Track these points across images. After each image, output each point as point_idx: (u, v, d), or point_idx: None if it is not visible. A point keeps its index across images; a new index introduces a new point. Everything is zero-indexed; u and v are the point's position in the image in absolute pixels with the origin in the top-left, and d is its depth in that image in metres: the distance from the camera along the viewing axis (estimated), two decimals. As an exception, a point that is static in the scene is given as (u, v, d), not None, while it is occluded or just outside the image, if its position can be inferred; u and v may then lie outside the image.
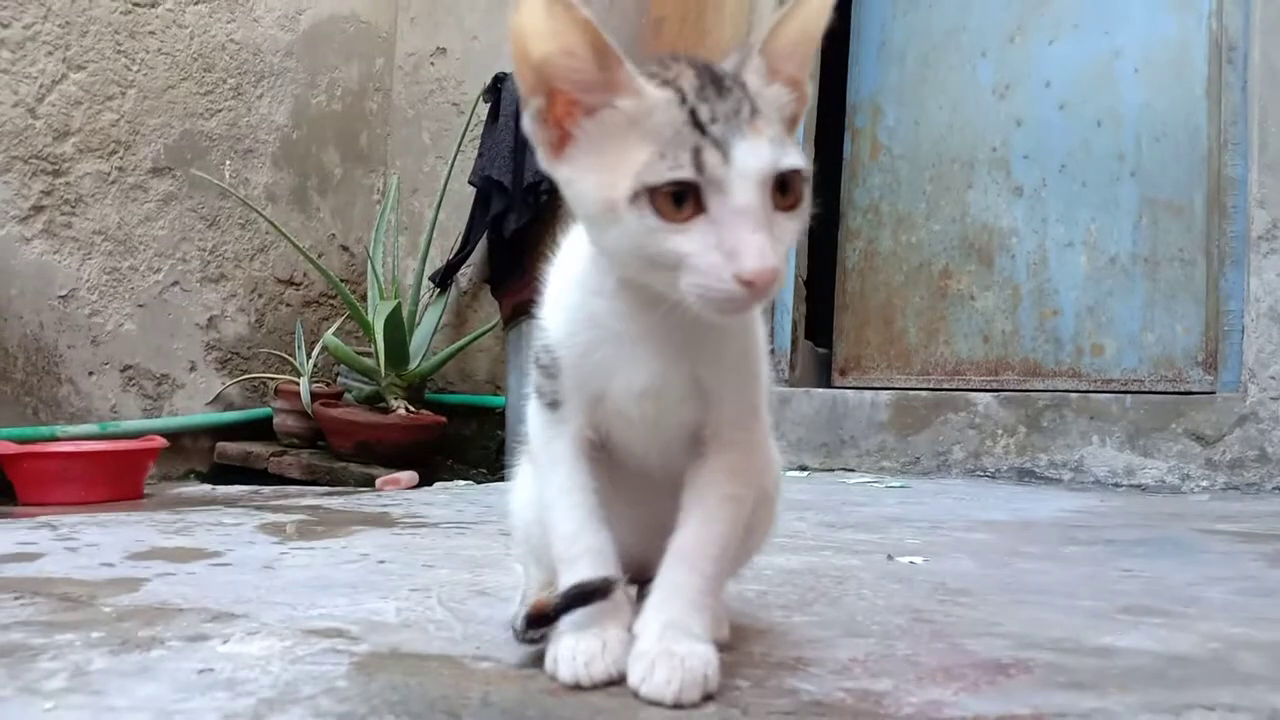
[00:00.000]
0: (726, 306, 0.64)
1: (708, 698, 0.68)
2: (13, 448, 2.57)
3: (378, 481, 2.90)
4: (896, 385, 3.05)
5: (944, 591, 1.13)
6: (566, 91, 0.66)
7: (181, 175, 3.28)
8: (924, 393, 2.89)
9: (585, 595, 0.72)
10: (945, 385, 3.01)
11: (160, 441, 2.75)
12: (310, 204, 3.69)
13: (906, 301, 3.15)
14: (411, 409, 3.27)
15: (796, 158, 0.65)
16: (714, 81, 0.66)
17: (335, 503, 2.09)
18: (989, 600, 1.09)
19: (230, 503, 2.18)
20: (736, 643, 0.83)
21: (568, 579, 0.73)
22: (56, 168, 2.99)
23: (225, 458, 3.29)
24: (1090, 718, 0.67)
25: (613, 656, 0.71)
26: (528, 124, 0.68)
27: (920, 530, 1.68)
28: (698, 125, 0.64)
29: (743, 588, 1.08)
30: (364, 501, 2.13)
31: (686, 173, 0.63)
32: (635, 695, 0.68)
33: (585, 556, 0.73)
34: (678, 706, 0.66)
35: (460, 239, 3.49)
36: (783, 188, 0.65)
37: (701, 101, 0.64)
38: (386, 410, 3.24)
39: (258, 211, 3.38)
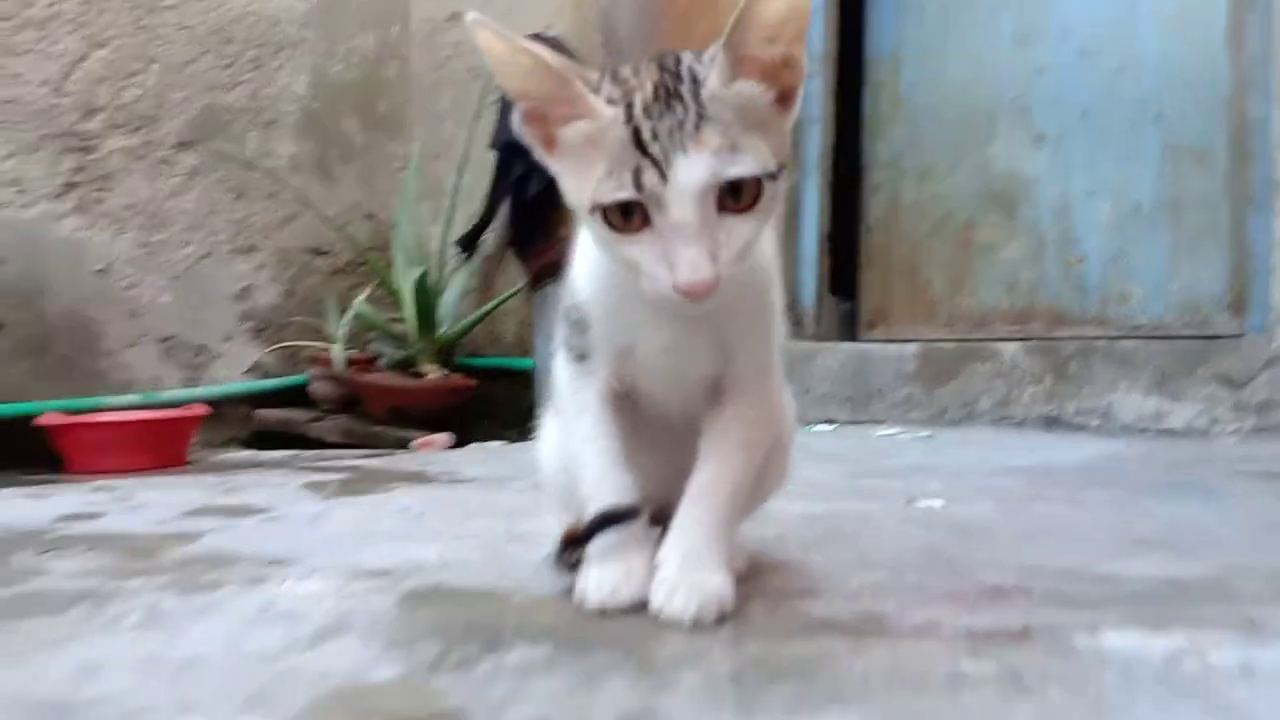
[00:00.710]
0: (676, 309, 0.69)
1: (722, 619, 0.74)
2: (61, 418, 2.66)
3: (413, 443, 2.97)
4: (922, 337, 3.06)
5: (960, 532, 1.16)
6: (538, 106, 0.71)
7: (206, 149, 3.34)
8: (950, 344, 2.90)
9: (613, 518, 0.78)
10: (971, 336, 3.02)
11: (203, 409, 2.83)
12: (333, 173, 3.74)
13: (931, 254, 3.16)
14: (444, 372, 3.34)
15: (746, 165, 0.67)
16: (668, 93, 0.68)
17: (374, 463, 2.16)
18: (1003, 539, 1.12)
19: (273, 466, 2.27)
20: (752, 576, 0.88)
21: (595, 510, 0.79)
22: (85, 145, 3.06)
23: (264, 424, 3.38)
24: (1075, 628, 0.72)
25: (636, 583, 0.77)
26: (517, 124, 0.73)
27: (943, 478, 1.69)
28: (639, 144, 0.67)
29: (763, 532, 1.12)
30: (401, 461, 2.20)
31: (627, 192, 0.67)
32: (656, 618, 0.74)
33: (612, 494, 0.79)
34: (696, 626, 0.72)
35: (483, 204, 3.53)
36: (735, 192, 0.68)
37: (646, 118, 0.67)
38: (419, 375, 3.32)
39: (283, 183, 3.44)
